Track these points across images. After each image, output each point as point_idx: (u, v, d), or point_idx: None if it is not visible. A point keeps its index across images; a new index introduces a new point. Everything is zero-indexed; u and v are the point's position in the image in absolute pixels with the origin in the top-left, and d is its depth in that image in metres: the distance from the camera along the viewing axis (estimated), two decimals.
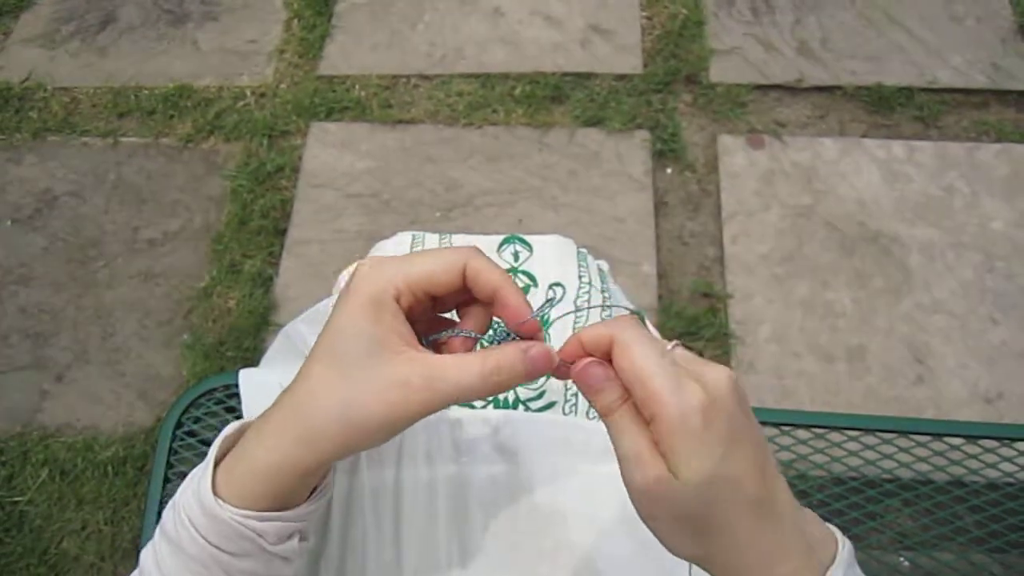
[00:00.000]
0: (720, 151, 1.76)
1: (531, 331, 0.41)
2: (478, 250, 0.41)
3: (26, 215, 1.76)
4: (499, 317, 0.41)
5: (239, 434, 0.42)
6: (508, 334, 0.41)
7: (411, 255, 0.41)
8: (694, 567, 0.60)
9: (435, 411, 0.39)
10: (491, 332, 0.43)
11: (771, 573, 0.38)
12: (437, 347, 0.43)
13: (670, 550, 0.40)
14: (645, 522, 0.39)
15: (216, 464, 0.41)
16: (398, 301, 0.40)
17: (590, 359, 0.39)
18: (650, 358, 0.37)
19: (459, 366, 0.38)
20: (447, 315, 0.45)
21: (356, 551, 0.53)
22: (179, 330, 1.61)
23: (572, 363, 0.40)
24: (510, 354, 0.39)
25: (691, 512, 0.37)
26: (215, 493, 0.40)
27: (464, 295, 0.42)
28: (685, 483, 0.36)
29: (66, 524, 1.42)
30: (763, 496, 0.37)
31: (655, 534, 0.40)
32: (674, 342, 0.40)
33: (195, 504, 0.40)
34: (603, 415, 0.39)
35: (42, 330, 1.62)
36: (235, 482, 0.40)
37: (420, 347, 0.40)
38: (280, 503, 0.40)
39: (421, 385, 0.38)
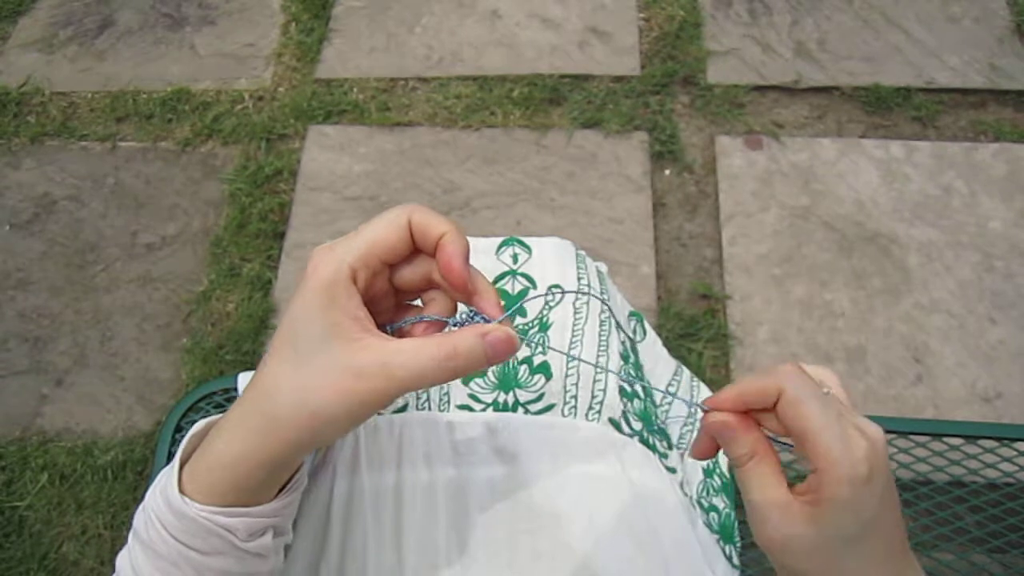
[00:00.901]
0: (718, 152, 1.76)
1: (460, 283, 0.39)
2: (420, 205, 0.40)
3: (24, 220, 1.76)
4: (443, 272, 0.39)
5: (207, 432, 0.42)
6: (475, 318, 0.40)
7: (358, 228, 0.40)
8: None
9: (394, 398, 0.38)
10: (461, 316, 0.41)
11: None
12: (401, 335, 0.42)
13: None
14: (779, 571, 0.39)
15: (184, 463, 0.41)
16: (355, 281, 0.39)
17: (727, 415, 0.39)
18: (819, 412, 0.37)
19: (414, 352, 0.37)
20: (414, 304, 0.44)
21: (356, 554, 0.53)
22: (178, 334, 1.61)
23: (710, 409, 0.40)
24: (469, 339, 0.37)
25: (829, 565, 0.37)
26: (181, 491, 0.39)
27: (422, 268, 0.41)
28: (835, 534, 0.36)
29: (65, 529, 1.41)
30: (902, 554, 0.38)
31: None
32: (827, 386, 0.40)
33: (162, 503, 0.40)
34: (737, 465, 0.39)
35: (41, 335, 1.62)
36: (199, 478, 0.40)
37: (378, 332, 0.39)
38: (246, 498, 0.40)
39: (376, 373, 0.37)
